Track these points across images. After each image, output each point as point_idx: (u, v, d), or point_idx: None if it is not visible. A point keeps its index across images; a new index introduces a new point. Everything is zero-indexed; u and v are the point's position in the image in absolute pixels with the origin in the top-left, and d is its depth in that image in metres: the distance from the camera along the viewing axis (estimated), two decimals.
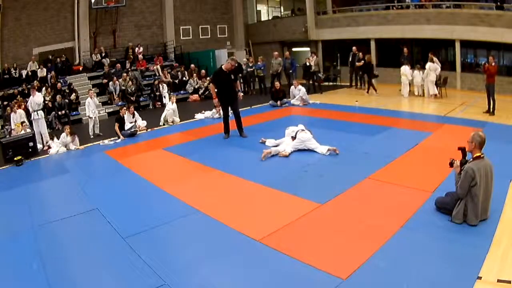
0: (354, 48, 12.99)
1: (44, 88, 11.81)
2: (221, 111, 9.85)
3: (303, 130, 6.32)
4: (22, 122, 8.61)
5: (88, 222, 4.34)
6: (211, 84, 7.98)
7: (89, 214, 4.52)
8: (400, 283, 2.80)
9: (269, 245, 3.45)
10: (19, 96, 11.24)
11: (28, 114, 9.25)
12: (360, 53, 12.85)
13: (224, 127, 7.60)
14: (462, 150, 3.74)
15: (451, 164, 3.75)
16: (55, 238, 4.01)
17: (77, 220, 4.39)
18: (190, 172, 5.86)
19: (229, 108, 7.54)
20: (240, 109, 7.72)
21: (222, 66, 7.41)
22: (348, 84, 13.56)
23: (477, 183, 3.42)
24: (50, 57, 13.84)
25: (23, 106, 9.95)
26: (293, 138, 6.28)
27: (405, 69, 11.25)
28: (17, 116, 9.09)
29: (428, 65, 10.48)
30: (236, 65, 7.45)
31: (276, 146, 6.41)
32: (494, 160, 3.63)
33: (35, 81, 12.20)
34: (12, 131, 8.79)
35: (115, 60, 14.85)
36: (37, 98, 8.84)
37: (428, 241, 3.36)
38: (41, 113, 8.85)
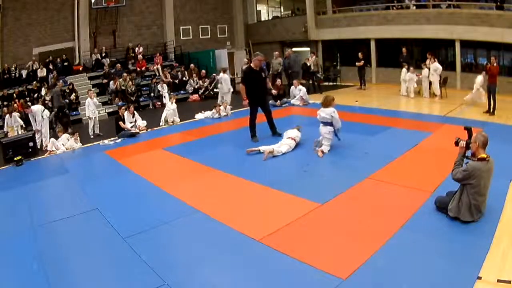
0: (289, 50, 13.19)
1: (43, 88, 11.81)
2: (221, 111, 9.98)
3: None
4: (19, 126, 8.60)
5: (88, 222, 4.34)
6: (241, 84, 7.40)
7: (89, 214, 4.52)
8: (400, 283, 2.80)
9: (269, 245, 3.45)
10: (18, 101, 11.11)
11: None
12: (360, 53, 12.89)
13: (251, 130, 7.13)
14: (468, 130, 3.70)
15: (457, 143, 3.71)
16: (55, 238, 4.01)
17: (77, 220, 4.39)
18: (190, 172, 5.86)
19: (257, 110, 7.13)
20: (239, 109, 7.68)
21: (251, 65, 7.09)
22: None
23: (475, 183, 3.41)
24: (50, 58, 13.80)
25: (20, 108, 9.89)
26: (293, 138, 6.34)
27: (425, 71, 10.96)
28: (12, 120, 9.08)
29: (433, 65, 10.32)
30: (265, 61, 7.16)
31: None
32: (494, 160, 3.62)
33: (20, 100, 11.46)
34: (8, 133, 8.77)
35: (115, 60, 14.85)
36: (36, 108, 8.70)
37: (428, 241, 3.36)
38: (46, 113, 8.79)
